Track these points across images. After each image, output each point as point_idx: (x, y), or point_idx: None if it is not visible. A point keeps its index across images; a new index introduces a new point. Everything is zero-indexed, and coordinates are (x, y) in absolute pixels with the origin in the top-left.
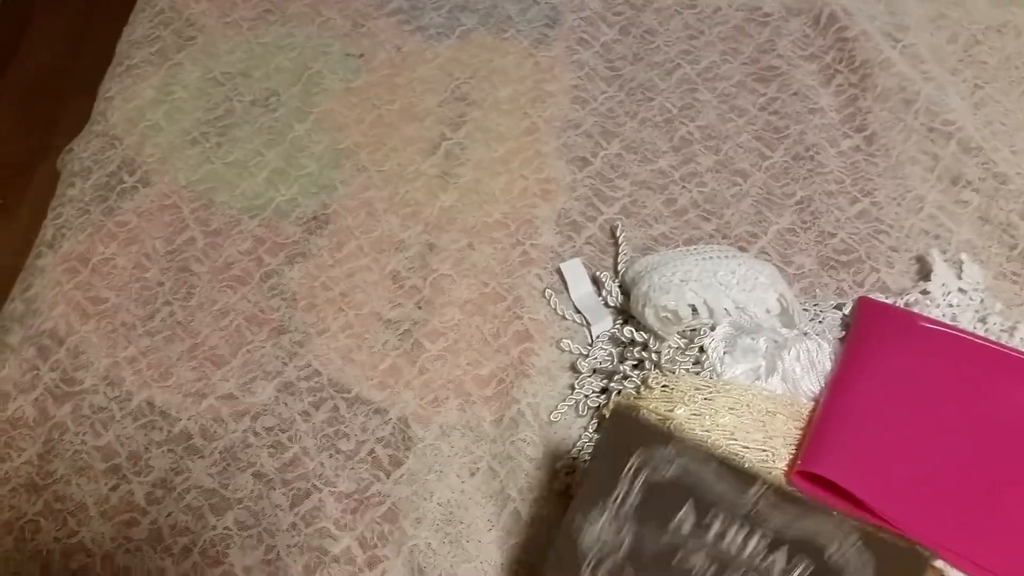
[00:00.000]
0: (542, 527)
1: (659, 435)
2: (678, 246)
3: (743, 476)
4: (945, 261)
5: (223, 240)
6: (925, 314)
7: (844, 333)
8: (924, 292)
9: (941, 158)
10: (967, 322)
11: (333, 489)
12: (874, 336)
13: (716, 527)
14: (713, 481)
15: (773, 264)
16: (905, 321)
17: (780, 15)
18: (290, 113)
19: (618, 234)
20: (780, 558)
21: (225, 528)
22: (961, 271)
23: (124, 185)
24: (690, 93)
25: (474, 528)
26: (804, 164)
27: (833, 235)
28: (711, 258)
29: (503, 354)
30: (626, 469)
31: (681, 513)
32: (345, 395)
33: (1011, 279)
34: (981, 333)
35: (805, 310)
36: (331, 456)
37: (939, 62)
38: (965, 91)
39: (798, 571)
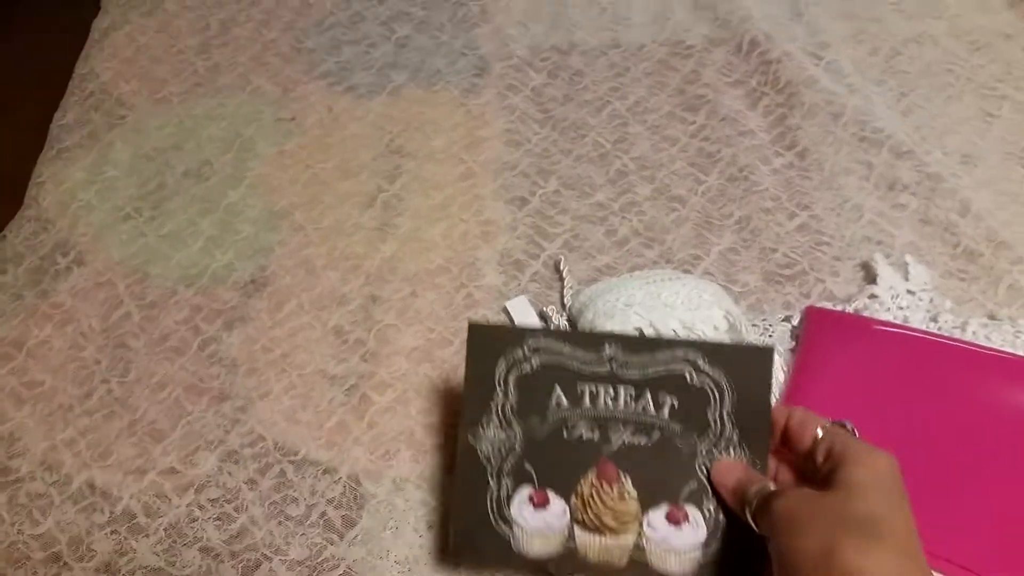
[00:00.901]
0: None
1: (515, 336)
2: (622, 274)
3: (593, 341)
4: (890, 265)
5: (159, 312)
6: (875, 318)
7: (793, 344)
8: (872, 296)
9: (875, 166)
10: (918, 322)
11: (284, 557)
12: (825, 342)
13: (587, 394)
14: (571, 356)
15: (717, 283)
16: (855, 325)
17: (703, 46)
18: (223, 180)
19: (562, 268)
20: (648, 399)
21: None
22: (907, 273)
23: (58, 267)
24: (622, 127)
25: None
26: (739, 184)
27: (775, 250)
28: (655, 281)
29: (454, 399)
30: (496, 376)
31: (554, 395)
32: (292, 458)
33: (958, 276)
34: (934, 331)
35: (754, 325)
36: (280, 523)
37: (862, 75)
38: (891, 100)
39: (667, 405)
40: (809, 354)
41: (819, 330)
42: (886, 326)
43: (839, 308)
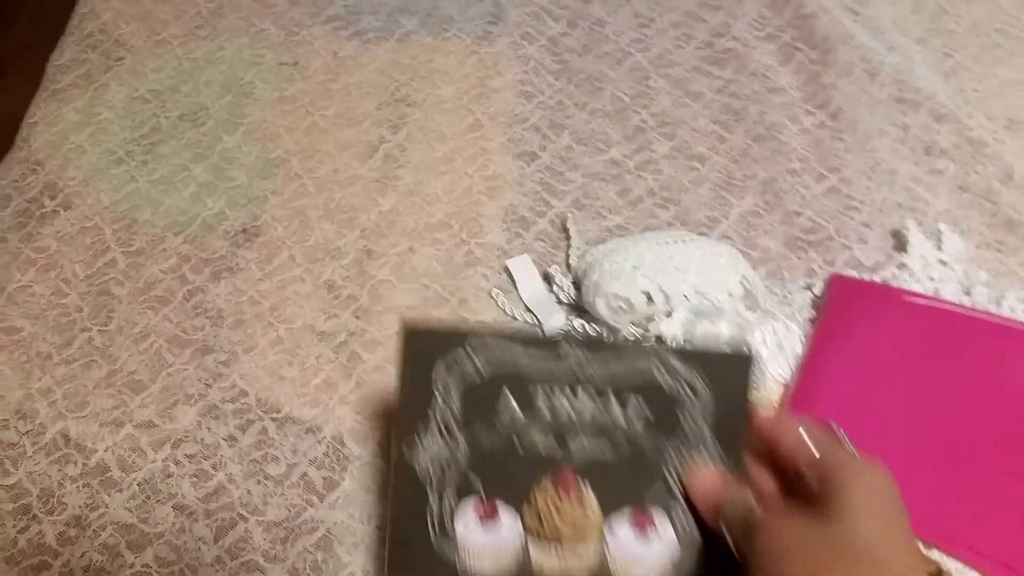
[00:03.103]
0: None
1: (454, 337)
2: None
3: (547, 343)
4: (923, 233)
5: (145, 260)
6: (904, 288)
7: (815, 314)
8: (902, 266)
9: (911, 128)
10: (950, 294)
11: (261, 518)
12: (849, 313)
13: (541, 399)
14: (520, 359)
15: (734, 247)
16: (882, 295)
17: None
18: (219, 125)
19: (569, 226)
20: (611, 400)
21: (144, 566)
22: (941, 242)
23: (44, 210)
24: (642, 81)
25: None
26: (766, 144)
27: (799, 214)
28: (667, 243)
29: None
30: (434, 381)
31: (500, 401)
32: (274, 415)
33: (995, 248)
34: (967, 304)
35: (773, 292)
36: (259, 482)
37: (903, 33)
38: (933, 60)
39: (632, 406)
40: (831, 325)
41: (843, 299)
42: (915, 297)
43: (865, 277)
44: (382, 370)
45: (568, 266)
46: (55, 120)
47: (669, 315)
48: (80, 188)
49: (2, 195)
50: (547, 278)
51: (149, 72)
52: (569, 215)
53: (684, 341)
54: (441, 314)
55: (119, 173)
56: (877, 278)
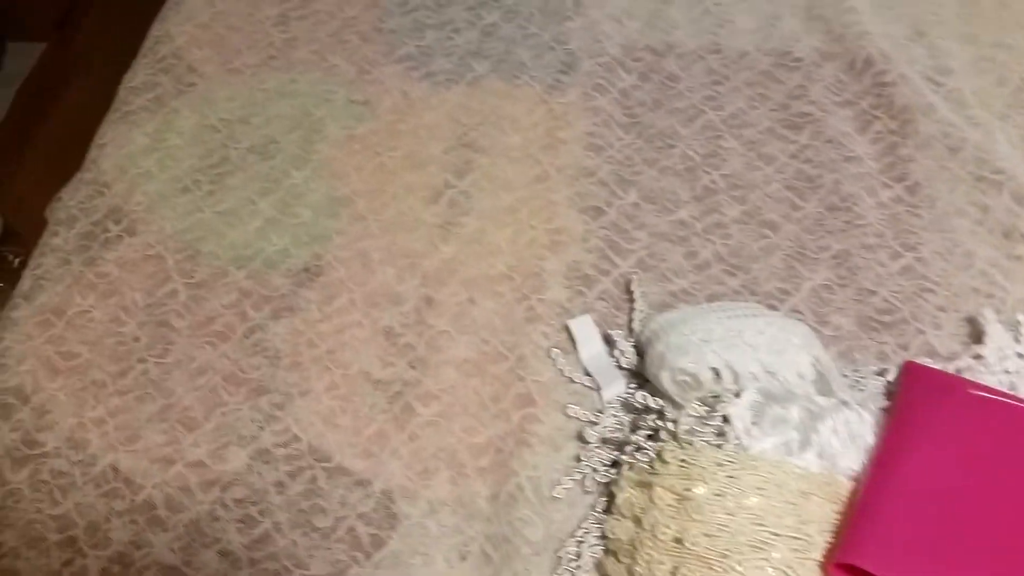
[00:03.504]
0: None
1: None
2: (700, 303)
3: None
4: (1000, 322)
5: (206, 293)
6: (978, 381)
7: (888, 403)
8: (977, 357)
9: (992, 209)
10: None
11: (305, 572)
12: (922, 406)
13: None
14: None
15: (807, 324)
16: (957, 389)
17: (812, 60)
18: (288, 160)
19: (634, 289)
20: None
21: None
22: (1019, 333)
23: (108, 234)
24: (714, 140)
25: None
26: (840, 215)
27: (873, 293)
28: (737, 316)
29: (502, 420)
30: None
31: None
32: (325, 464)
33: None
34: None
35: (843, 376)
36: (305, 534)
37: (986, 107)
38: (1016, 138)
39: None
40: (904, 417)
41: (916, 391)
42: (989, 393)
43: (940, 366)
44: (435, 425)
45: (631, 330)
46: (124, 143)
47: (737, 395)
48: (145, 214)
49: (68, 216)
50: (608, 341)
51: (220, 100)
52: (634, 277)
53: (752, 423)
54: (498, 372)
55: (185, 202)
56: (952, 368)
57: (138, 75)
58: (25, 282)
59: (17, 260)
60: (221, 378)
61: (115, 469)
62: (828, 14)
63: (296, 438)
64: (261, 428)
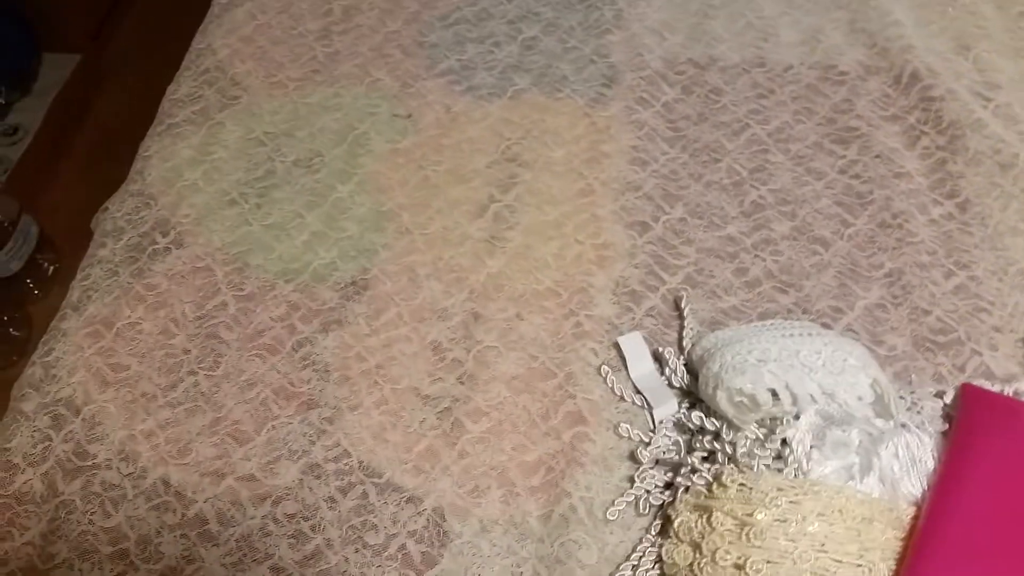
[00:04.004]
0: None
1: None
2: (751, 321)
3: None
4: None
5: (256, 306)
6: None
7: (947, 426)
8: None
9: None
10: None
11: None
12: (981, 430)
13: None
14: None
15: (863, 344)
16: (1016, 413)
17: (857, 73)
18: (333, 174)
19: (683, 306)
20: None
21: None
22: None
23: (156, 246)
24: (761, 155)
25: None
26: (892, 232)
27: (928, 312)
28: (792, 335)
29: (553, 438)
30: None
31: None
32: (376, 480)
33: None
34: None
35: (901, 398)
36: (357, 551)
37: None
38: None
39: None
40: (964, 440)
41: (975, 415)
42: None
43: (997, 388)
44: (485, 442)
45: (681, 348)
46: (169, 155)
47: (796, 417)
48: (192, 227)
49: (115, 228)
50: (658, 359)
51: (265, 114)
52: (683, 293)
53: (812, 446)
54: (547, 389)
55: (232, 215)
56: (1010, 391)
57: (182, 87)
58: (74, 293)
59: (52, 268)
60: (271, 391)
61: (166, 483)
62: (872, 27)
63: (347, 453)
64: (312, 442)
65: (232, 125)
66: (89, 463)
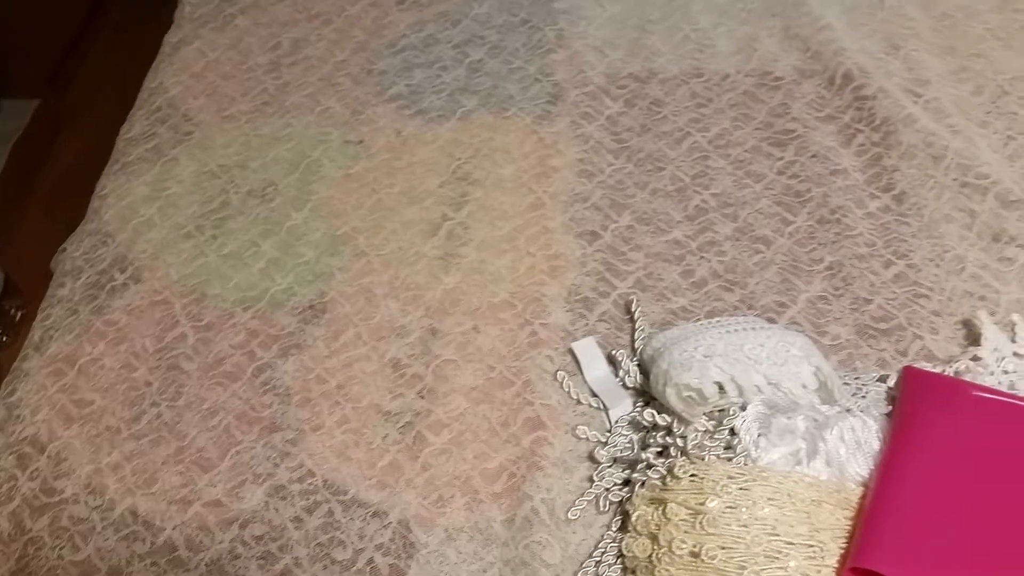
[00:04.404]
0: None
1: None
2: (699, 319)
3: None
4: (995, 324)
5: (215, 335)
6: (978, 383)
7: (890, 408)
8: (975, 359)
9: (978, 214)
10: None
11: None
12: (924, 410)
13: None
14: None
15: (806, 335)
16: (957, 392)
17: (792, 78)
18: (287, 202)
19: (634, 309)
20: None
21: None
22: (1014, 334)
23: (115, 283)
24: (702, 161)
25: None
26: (831, 228)
27: (869, 301)
28: (737, 330)
29: (513, 445)
30: None
31: None
32: (341, 497)
33: None
34: None
35: (845, 384)
36: (325, 567)
37: (965, 115)
38: (997, 143)
39: None
40: (908, 421)
41: (917, 395)
42: (990, 393)
43: (939, 370)
44: (447, 453)
45: (634, 350)
46: (125, 193)
47: (743, 408)
48: (150, 261)
49: (74, 267)
50: (613, 362)
51: (218, 147)
52: (633, 297)
53: (759, 435)
54: (506, 397)
55: (188, 247)
56: (951, 371)
57: (135, 126)
58: (35, 333)
59: (19, 313)
60: (233, 417)
61: (133, 513)
62: (805, 33)
63: (311, 473)
64: (276, 465)
65: (186, 160)
66: (56, 499)
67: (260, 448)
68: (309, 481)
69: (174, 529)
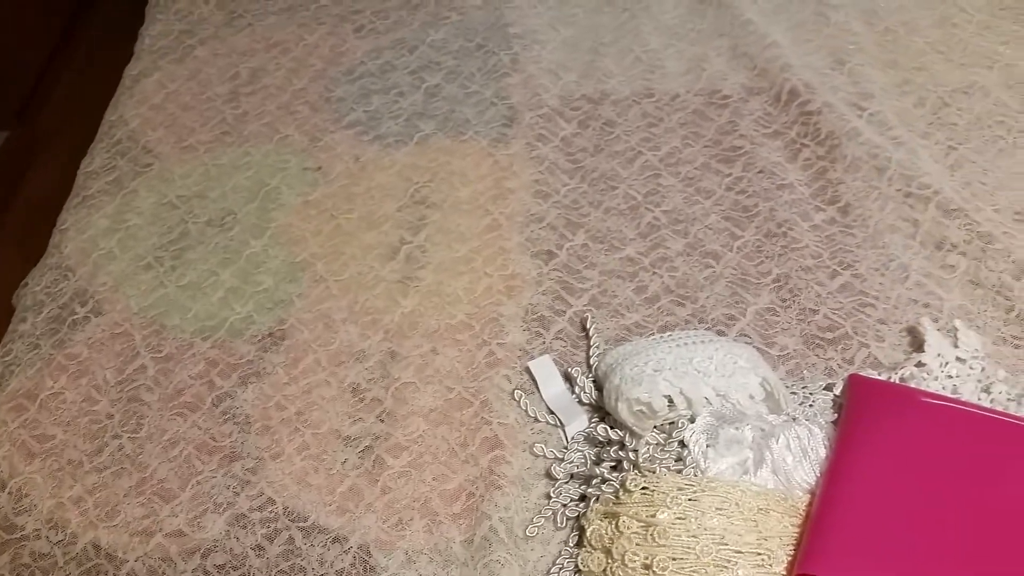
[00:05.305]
0: None
1: None
2: (652, 334)
3: None
4: (938, 330)
5: (174, 366)
6: (923, 388)
7: (836, 415)
8: (919, 365)
9: (921, 223)
10: (969, 393)
11: None
12: (870, 416)
13: None
14: None
15: (754, 347)
16: (902, 397)
17: (739, 96)
18: (246, 230)
19: (588, 326)
20: None
21: None
22: (957, 339)
23: (76, 316)
24: (654, 179)
25: None
26: (777, 241)
27: (816, 311)
28: (686, 344)
29: (472, 465)
30: None
31: None
32: (301, 524)
33: (1012, 343)
34: (986, 404)
35: (793, 393)
36: None
37: (908, 127)
38: (939, 153)
39: None
40: (853, 428)
41: (863, 401)
42: (934, 399)
43: (885, 377)
44: (407, 476)
45: (589, 366)
46: (85, 227)
47: (692, 420)
48: (110, 294)
49: (35, 301)
50: (569, 379)
51: (177, 178)
52: (588, 314)
53: (707, 446)
54: (464, 418)
55: (148, 279)
56: (896, 377)
57: (95, 160)
58: None
59: None
60: (194, 448)
61: (96, 546)
62: (752, 51)
63: (271, 501)
64: (236, 494)
65: (145, 192)
66: (17, 535)
67: (220, 477)
68: (269, 509)
69: (136, 560)
